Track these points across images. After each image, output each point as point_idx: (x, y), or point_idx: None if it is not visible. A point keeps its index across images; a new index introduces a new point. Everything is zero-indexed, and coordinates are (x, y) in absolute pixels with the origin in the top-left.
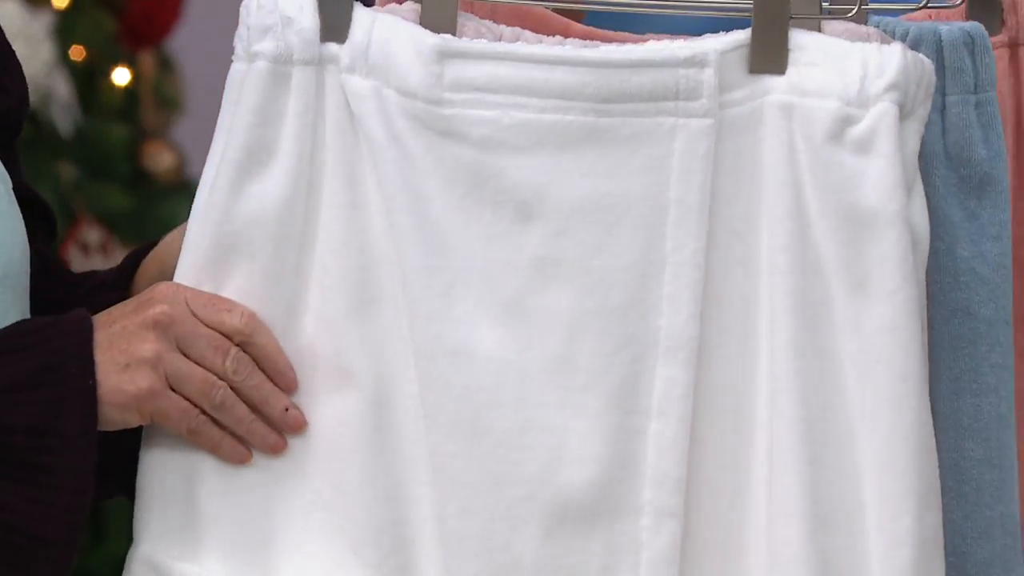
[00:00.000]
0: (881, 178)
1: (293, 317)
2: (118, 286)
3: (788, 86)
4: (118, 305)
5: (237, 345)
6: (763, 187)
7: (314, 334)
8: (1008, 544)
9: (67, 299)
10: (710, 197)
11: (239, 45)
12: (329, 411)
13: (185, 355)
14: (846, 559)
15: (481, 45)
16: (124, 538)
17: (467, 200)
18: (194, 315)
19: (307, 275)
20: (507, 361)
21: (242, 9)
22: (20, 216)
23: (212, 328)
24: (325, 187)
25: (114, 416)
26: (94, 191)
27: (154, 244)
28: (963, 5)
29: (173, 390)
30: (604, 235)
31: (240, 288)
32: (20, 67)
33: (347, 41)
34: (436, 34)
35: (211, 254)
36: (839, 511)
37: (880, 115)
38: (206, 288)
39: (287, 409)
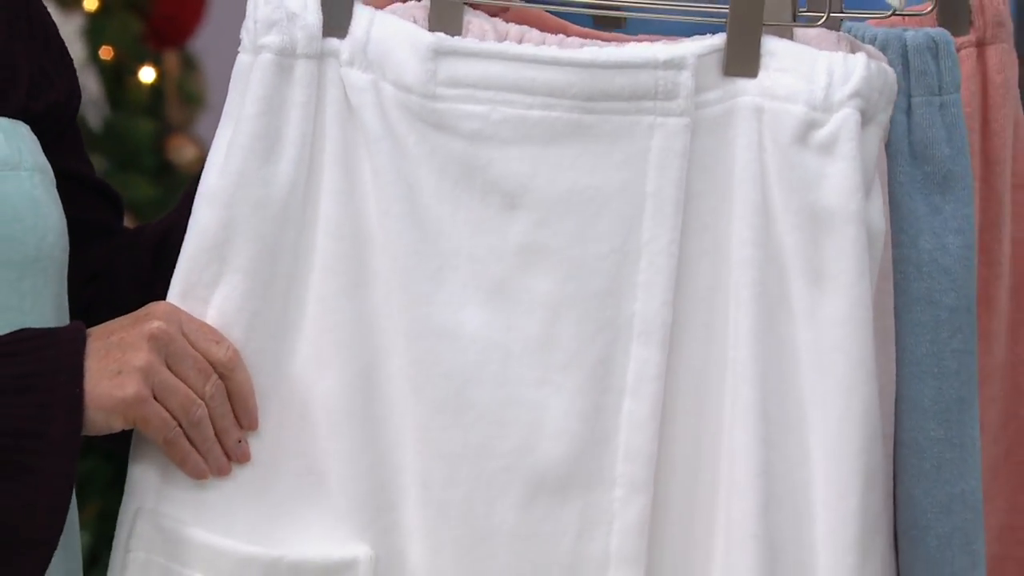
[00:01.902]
0: (841, 179)
1: (291, 295)
2: (186, 221)
3: (759, 89)
4: (116, 319)
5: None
6: (732, 183)
7: (311, 311)
8: (969, 519)
9: (138, 256)
10: (684, 191)
11: (245, 38)
12: (322, 383)
13: (171, 371)
14: (794, 534)
15: (473, 44)
16: None
17: (456, 189)
18: (186, 337)
19: (307, 256)
20: (491, 341)
21: (249, 4)
22: (57, 204)
23: (200, 353)
24: (325, 174)
25: (99, 420)
26: (122, 182)
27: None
28: (934, 9)
29: (157, 401)
30: (585, 225)
31: (243, 267)
32: (71, 64)
33: (347, 37)
34: (432, 32)
35: (218, 235)
36: (789, 489)
37: (843, 120)
38: (212, 269)
39: (240, 441)
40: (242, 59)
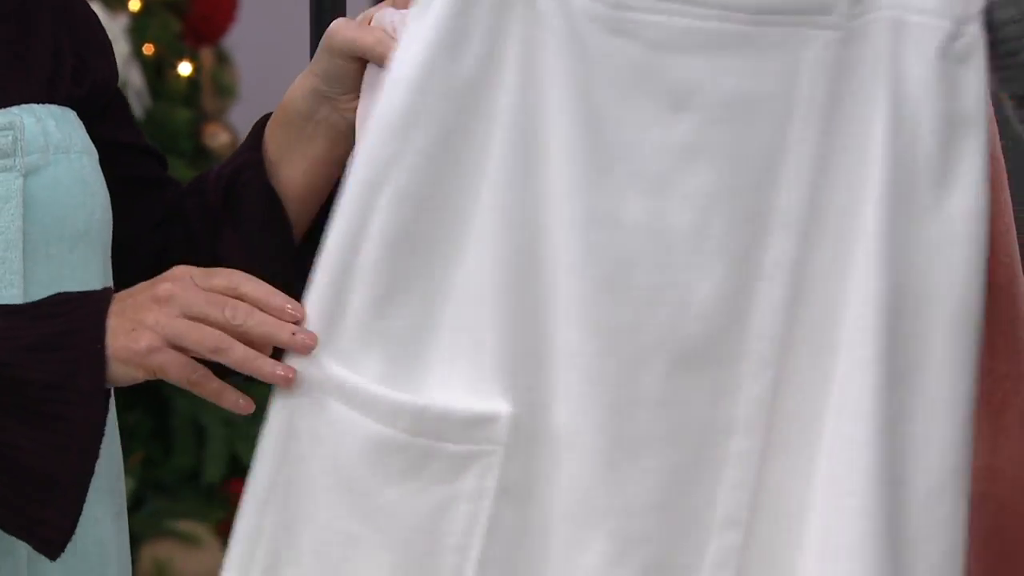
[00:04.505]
0: (975, 87)
1: (467, 179)
2: (254, 161)
3: (899, 3)
4: (139, 284)
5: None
6: (872, 89)
7: (484, 194)
8: None
9: (208, 195)
10: (831, 97)
11: None
12: (486, 253)
13: (192, 319)
14: (908, 411)
15: None
16: (189, 454)
17: (630, 90)
18: (195, 285)
19: (484, 144)
20: (650, 229)
21: None
22: (102, 183)
23: (209, 290)
24: (506, 71)
25: (120, 372)
26: None
27: (268, 115)
28: None
29: (176, 349)
30: (742, 126)
31: (423, 150)
32: (109, 47)
33: None
34: None
35: (404, 117)
36: (906, 370)
37: (975, 32)
38: (393, 147)
39: (294, 334)
40: None
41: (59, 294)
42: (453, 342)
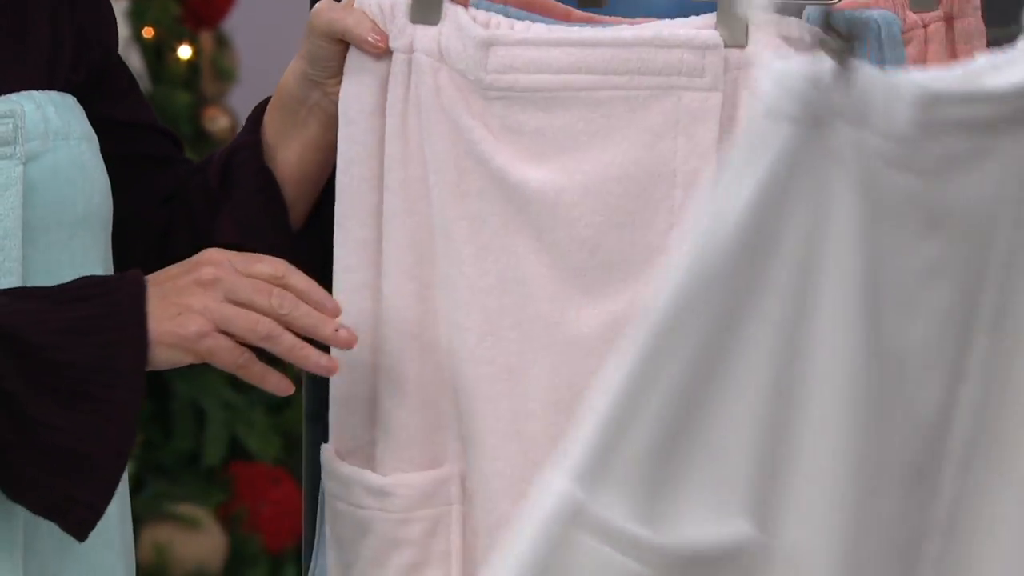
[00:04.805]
0: None
1: (750, 322)
2: (251, 143)
3: None
4: (170, 267)
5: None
6: None
7: (760, 329)
8: None
9: (208, 181)
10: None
11: (768, 101)
12: (750, 387)
13: (237, 304)
14: None
15: (960, 88)
16: (188, 437)
17: (902, 219)
18: (237, 271)
19: (769, 285)
20: (898, 350)
21: (772, 72)
22: (102, 168)
23: (253, 277)
24: (798, 212)
25: (163, 356)
26: None
27: (269, 98)
28: None
29: (223, 333)
30: (971, 236)
31: (722, 300)
32: (111, 18)
33: (849, 95)
34: (917, 86)
35: (711, 275)
36: None
37: None
38: (697, 300)
39: (337, 330)
40: (762, 123)
41: (85, 278)
42: (704, 472)
